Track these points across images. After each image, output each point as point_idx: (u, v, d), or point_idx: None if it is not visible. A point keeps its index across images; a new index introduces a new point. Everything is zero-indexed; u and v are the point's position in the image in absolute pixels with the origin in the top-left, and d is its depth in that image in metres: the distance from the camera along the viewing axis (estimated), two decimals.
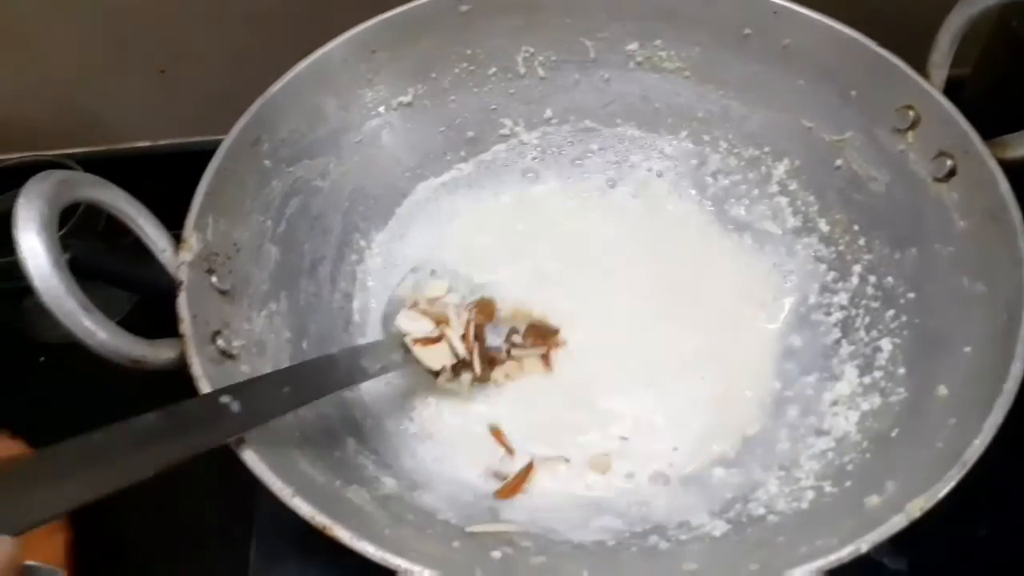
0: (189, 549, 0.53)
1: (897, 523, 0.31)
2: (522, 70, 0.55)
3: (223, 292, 0.42)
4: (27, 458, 0.30)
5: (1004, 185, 0.40)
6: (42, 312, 0.62)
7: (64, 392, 0.60)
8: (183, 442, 0.33)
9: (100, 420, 0.58)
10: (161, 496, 0.55)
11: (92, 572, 0.47)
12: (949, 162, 0.43)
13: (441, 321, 0.47)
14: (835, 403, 0.44)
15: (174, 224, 0.42)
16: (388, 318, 0.48)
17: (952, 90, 0.45)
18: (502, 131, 0.57)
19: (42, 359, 0.62)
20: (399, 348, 0.46)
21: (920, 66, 0.46)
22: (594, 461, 0.45)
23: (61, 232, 0.56)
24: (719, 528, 0.40)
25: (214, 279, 0.42)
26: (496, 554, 0.37)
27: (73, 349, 0.65)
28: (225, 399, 0.35)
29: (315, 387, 0.40)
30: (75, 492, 0.29)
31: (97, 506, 0.52)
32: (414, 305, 0.48)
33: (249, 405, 0.35)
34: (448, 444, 0.46)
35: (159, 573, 0.53)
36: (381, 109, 0.53)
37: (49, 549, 0.48)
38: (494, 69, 0.55)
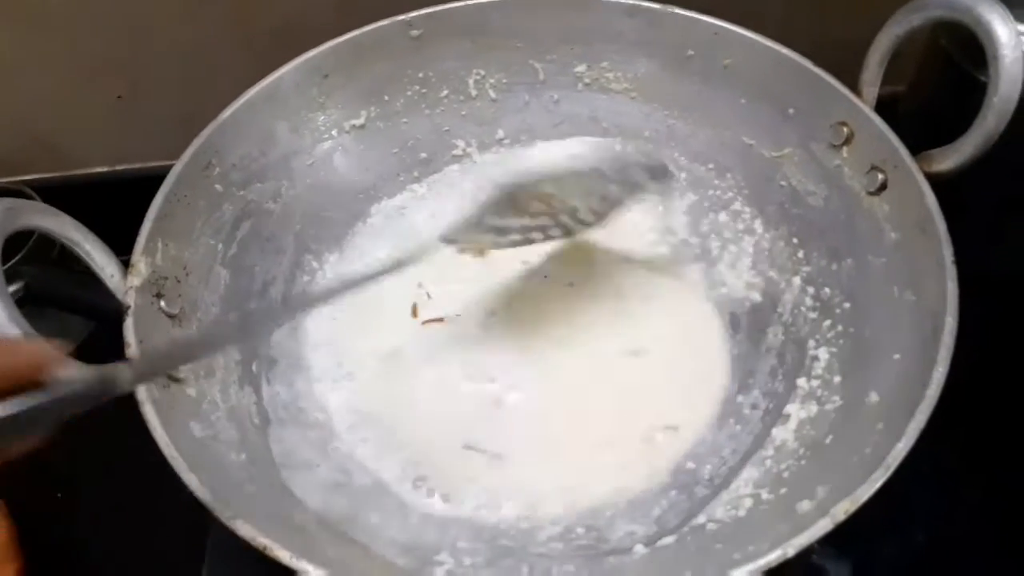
0: (142, 573, 0.53)
1: (823, 527, 0.32)
2: (473, 92, 0.57)
3: (171, 316, 0.42)
4: None
5: (931, 198, 0.42)
6: None
7: None
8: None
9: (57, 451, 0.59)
10: (114, 524, 0.55)
11: None
12: (880, 176, 0.45)
13: None
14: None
15: (130, 249, 0.42)
16: None
17: (888, 106, 0.47)
18: (455, 152, 0.58)
19: None
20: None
21: (853, 85, 0.48)
22: None
23: (15, 259, 0.57)
24: (663, 541, 0.40)
25: (162, 303, 0.42)
26: (439, 571, 0.38)
27: None
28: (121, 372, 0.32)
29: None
30: None
31: (49, 535, 0.52)
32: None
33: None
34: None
35: None
36: (334, 132, 0.54)
37: None
38: (446, 91, 0.56)
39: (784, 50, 0.49)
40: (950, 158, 0.43)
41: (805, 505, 0.36)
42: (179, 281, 0.44)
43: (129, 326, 0.39)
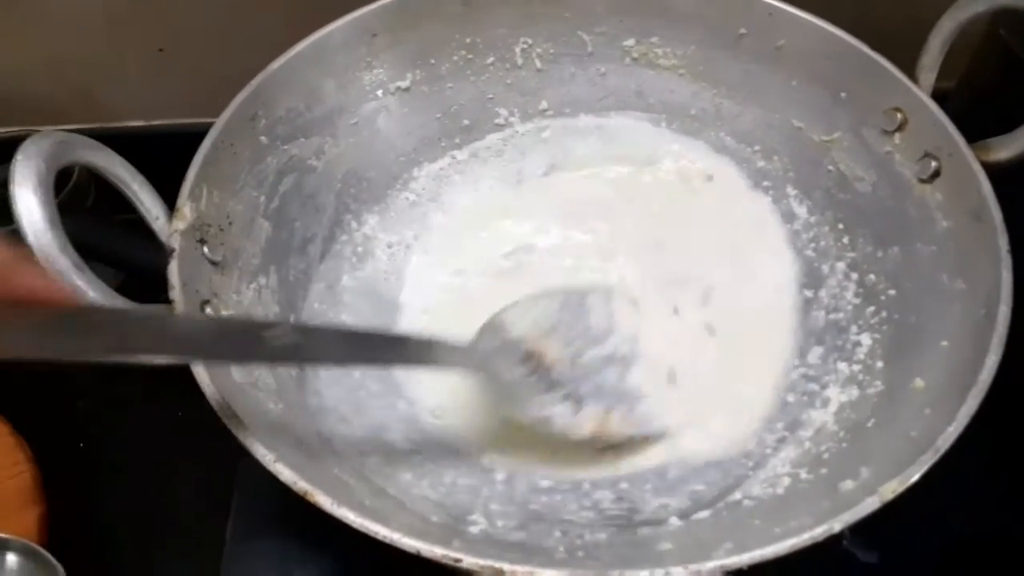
0: (164, 525, 0.53)
1: (870, 504, 0.32)
2: (520, 61, 0.56)
3: (214, 263, 0.42)
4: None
5: (986, 186, 0.41)
6: None
7: (44, 372, 0.59)
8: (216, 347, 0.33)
9: (81, 399, 0.59)
10: (136, 473, 0.55)
11: (65, 547, 0.46)
12: (934, 163, 0.44)
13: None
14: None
15: (166, 203, 0.42)
16: (484, 330, 0.42)
17: (938, 100, 0.46)
18: (497, 120, 0.57)
19: None
20: (479, 358, 0.41)
21: (909, 71, 0.47)
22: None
23: None
24: (698, 515, 0.40)
25: (205, 249, 0.42)
26: (474, 529, 0.38)
27: None
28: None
29: (372, 353, 0.38)
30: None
31: (71, 481, 0.52)
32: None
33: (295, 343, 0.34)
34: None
35: (133, 548, 0.53)
36: (379, 92, 0.53)
37: (22, 524, 0.48)
38: (492, 59, 0.55)
39: (840, 33, 0.49)
40: (1009, 147, 0.42)
41: (848, 484, 0.35)
42: (222, 229, 0.44)
43: (174, 269, 0.39)
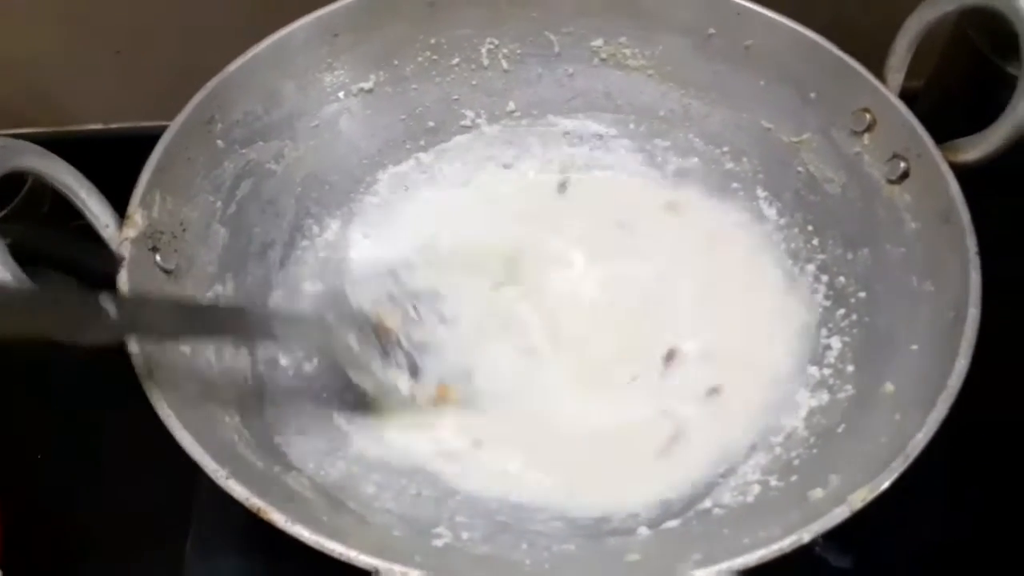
0: (124, 540, 0.52)
1: (840, 514, 0.31)
2: (486, 62, 0.55)
3: (167, 271, 0.41)
4: None
5: (955, 187, 0.41)
6: None
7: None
8: (49, 322, 0.32)
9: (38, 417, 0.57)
10: (96, 487, 0.54)
11: (21, 566, 0.45)
12: (903, 164, 0.44)
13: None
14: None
15: (122, 208, 0.41)
16: (327, 301, 0.47)
17: (906, 101, 0.46)
18: (463, 122, 0.56)
19: None
20: (321, 330, 0.45)
21: (878, 72, 0.47)
22: None
23: (2, 213, 0.55)
24: (667, 524, 0.39)
25: (158, 257, 0.41)
26: (438, 543, 0.37)
27: None
28: (106, 303, 0.33)
29: (208, 326, 0.39)
30: None
31: (27, 499, 0.51)
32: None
33: (127, 313, 0.34)
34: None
35: (91, 567, 0.51)
36: (340, 94, 0.52)
37: None
38: (457, 59, 0.55)
39: (809, 33, 0.48)
40: (977, 148, 0.42)
41: (817, 493, 0.35)
42: (175, 236, 0.42)
43: (123, 278, 0.38)
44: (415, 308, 0.48)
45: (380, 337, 0.46)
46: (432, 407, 0.46)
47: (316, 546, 0.31)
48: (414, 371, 0.46)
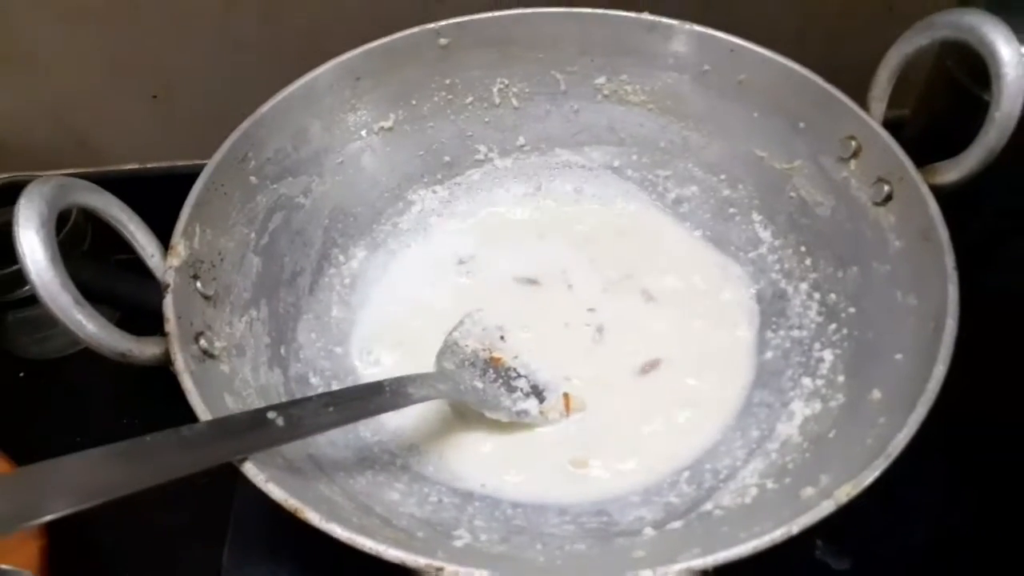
0: (162, 554, 0.54)
1: (826, 508, 0.34)
2: (497, 100, 0.59)
3: (207, 297, 0.44)
4: (88, 453, 0.33)
5: (934, 207, 0.43)
6: (22, 328, 0.63)
7: (44, 408, 0.62)
8: (227, 447, 0.36)
9: (80, 435, 0.60)
10: (135, 503, 0.56)
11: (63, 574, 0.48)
12: (887, 187, 0.47)
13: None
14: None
15: (163, 241, 0.44)
16: (442, 354, 0.49)
17: (894, 129, 0.48)
18: (477, 156, 0.60)
19: (21, 375, 0.64)
20: (448, 381, 0.47)
21: (862, 102, 0.50)
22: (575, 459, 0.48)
23: None
24: (671, 525, 0.42)
25: (199, 284, 0.44)
26: (458, 543, 0.39)
27: (52, 365, 0.66)
28: (272, 414, 0.37)
29: (358, 409, 0.42)
30: (124, 481, 0.33)
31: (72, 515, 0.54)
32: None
33: (292, 420, 0.38)
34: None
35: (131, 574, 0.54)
36: (363, 132, 0.56)
37: (24, 555, 0.49)
38: (471, 98, 0.58)
39: (797, 67, 0.51)
40: (953, 170, 0.45)
41: (808, 491, 0.37)
42: (214, 265, 0.46)
43: (169, 303, 0.41)
44: (502, 338, 0.52)
45: (496, 370, 0.50)
46: (564, 418, 0.49)
47: (348, 542, 0.33)
48: (537, 392, 0.50)
